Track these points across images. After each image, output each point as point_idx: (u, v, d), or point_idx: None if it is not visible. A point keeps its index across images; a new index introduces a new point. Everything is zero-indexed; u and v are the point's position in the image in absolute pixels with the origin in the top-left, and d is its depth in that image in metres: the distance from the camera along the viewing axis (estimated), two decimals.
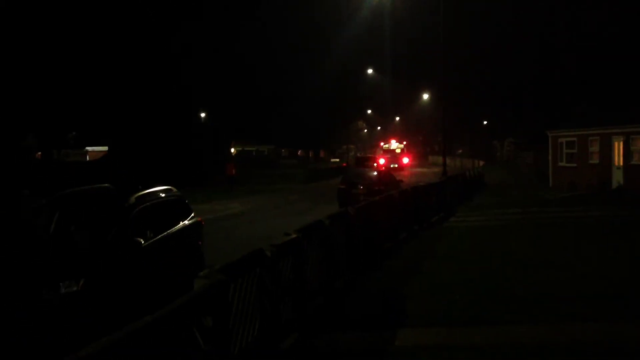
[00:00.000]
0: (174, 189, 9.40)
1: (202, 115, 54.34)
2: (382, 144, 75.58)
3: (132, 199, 7.85)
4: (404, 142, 74.16)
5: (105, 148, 38.78)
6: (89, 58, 32.23)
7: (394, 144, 70.67)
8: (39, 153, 37.24)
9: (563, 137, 31.08)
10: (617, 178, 26.72)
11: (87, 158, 53.23)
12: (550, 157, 32.30)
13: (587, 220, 17.43)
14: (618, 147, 26.97)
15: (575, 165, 29.94)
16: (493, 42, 57.78)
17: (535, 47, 51.42)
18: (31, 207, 8.12)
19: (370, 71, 75.58)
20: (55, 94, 30.41)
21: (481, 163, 57.23)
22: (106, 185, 8.49)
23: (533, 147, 48.95)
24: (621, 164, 26.65)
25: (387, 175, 23.97)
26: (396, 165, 58.86)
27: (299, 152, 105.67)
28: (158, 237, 7.92)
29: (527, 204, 22.84)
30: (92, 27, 32.28)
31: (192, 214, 9.65)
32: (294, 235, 6.83)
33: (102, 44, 33.21)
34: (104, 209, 7.87)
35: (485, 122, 75.15)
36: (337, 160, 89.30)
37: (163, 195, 8.80)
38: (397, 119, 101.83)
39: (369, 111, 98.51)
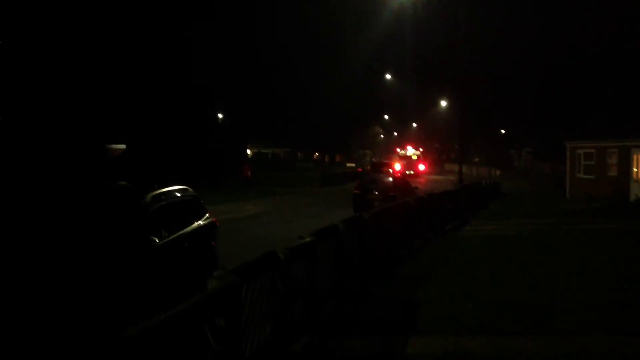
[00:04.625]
0: (190, 189, 9.44)
1: (220, 116, 54.58)
2: (398, 150, 75.44)
3: (148, 197, 7.88)
4: (420, 149, 73.94)
5: (123, 146, 39.07)
6: (107, 56, 32.55)
7: (410, 151, 70.43)
8: None
9: (581, 149, 30.82)
10: (635, 191, 26.44)
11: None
12: (567, 168, 32.04)
13: (603, 232, 17.26)
14: (637, 160, 26.71)
15: (593, 177, 29.67)
16: (511, 50, 57.54)
17: (553, 56, 51.04)
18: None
19: (388, 77, 75.58)
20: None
21: (498, 172, 56.95)
22: (123, 183, 8.54)
23: (551, 157, 48.55)
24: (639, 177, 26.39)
25: (403, 182, 23.88)
26: (412, 172, 58.66)
27: (315, 156, 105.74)
28: (173, 237, 7.95)
29: (543, 215, 22.68)
30: (111, 26, 32.61)
31: (207, 215, 9.68)
32: (307, 239, 6.84)
33: (120, 42, 33.53)
34: (120, 206, 7.92)
35: (502, 131, 74.72)
36: (353, 165, 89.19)
37: (179, 194, 8.84)
38: (414, 125, 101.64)
39: (386, 117, 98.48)
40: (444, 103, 76.79)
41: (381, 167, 51.58)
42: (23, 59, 28.19)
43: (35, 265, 6.51)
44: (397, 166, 55.14)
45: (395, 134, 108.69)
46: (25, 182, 23.46)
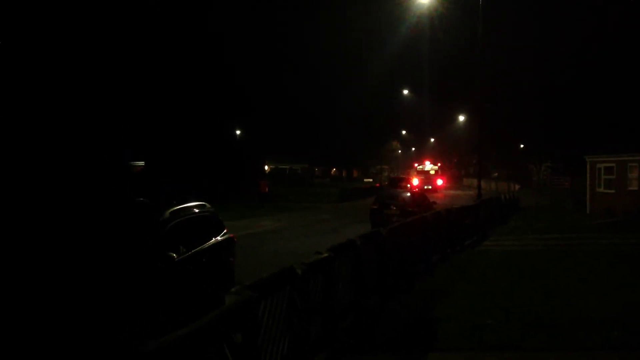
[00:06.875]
0: (208, 205, 9.47)
1: (237, 132, 54.89)
2: (416, 165, 75.16)
3: (167, 213, 7.92)
4: (438, 164, 73.61)
5: (141, 163, 39.38)
6: (126, 71, 32.98)
7: (428, 166, 70.13)
8: None
9: (601, 163, 30.49)
10: None
11: None
12: (587, 183, 31.71)
13: (624, 247, 17.04)
14: None
15: (613, 191, 29.33)
16: (530, 64, 57.36)
17: (572, 69, 50.82)
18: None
19: (405, 92, 75.65)
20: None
21: (517, 187, 56.52)
22: (142, 199, 8.60)
23: (570, 171, 48.17)
24: None
25: (421, 197, 23.79)
26: (430, 187, 58.44)
27: (332, 171, 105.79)
28: (190, 253, 7.97)
29: (563, 230, 22.44)
30: (127, 41, 33.06)
31: (225, 230, 9.71)
32: (325, 254, 6.82)
33: (138, 57, 33.97)
34: (139, 222, 7.96)
35: (521, 146, 74.29)
36: (371, 180, 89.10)
37: (197, 210, 8.88)
38: (432, 140, 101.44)
39: (404, 132, 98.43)
40: (462, 118, 76.61)
41: (399, 182, 51.45)
42: (44, 73, 28.64)
43: (52, 279, 6.56)
44: (415, 181, 54.90)
45: (413, 149, 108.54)
46: (45, 198, 23.71)
